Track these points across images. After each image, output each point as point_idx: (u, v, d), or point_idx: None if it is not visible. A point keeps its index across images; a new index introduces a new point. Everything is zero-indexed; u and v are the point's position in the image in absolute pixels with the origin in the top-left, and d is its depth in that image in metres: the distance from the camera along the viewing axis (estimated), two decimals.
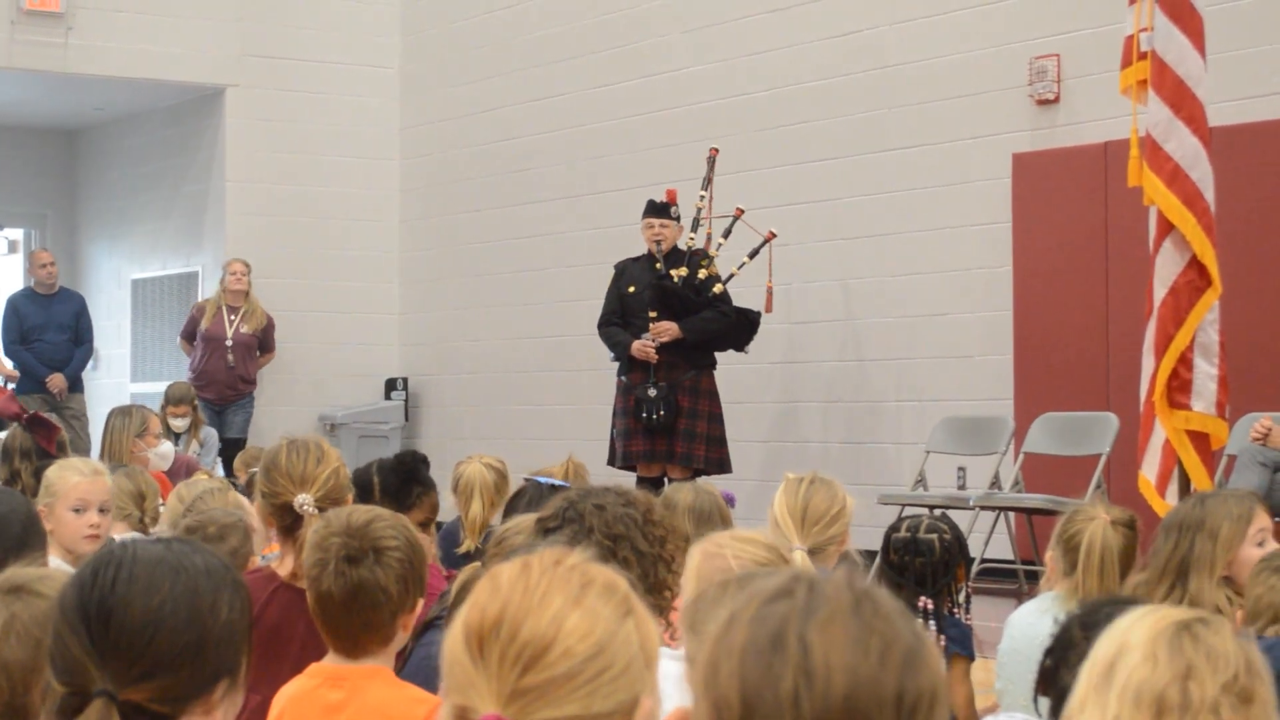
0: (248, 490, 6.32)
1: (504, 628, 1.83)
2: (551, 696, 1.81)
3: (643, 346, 10.37)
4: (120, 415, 8.59)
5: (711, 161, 11.05)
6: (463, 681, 1.84)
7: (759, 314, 10.69)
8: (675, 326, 10.34)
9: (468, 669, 1.84)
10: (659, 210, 10.60)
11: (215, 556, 2.36)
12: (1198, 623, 2.25)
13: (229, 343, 13.65)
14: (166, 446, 8.17)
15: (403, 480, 5.05)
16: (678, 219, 10.62)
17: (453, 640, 1.87)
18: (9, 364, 13.70)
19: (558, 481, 5.15)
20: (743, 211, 10.88)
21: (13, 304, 14.17)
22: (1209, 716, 2.15)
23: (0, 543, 3.90)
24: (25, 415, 7.49)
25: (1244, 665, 2.21)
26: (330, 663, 3.41)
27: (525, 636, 1.83)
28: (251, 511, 5.64)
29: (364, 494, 4.82)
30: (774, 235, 10.90)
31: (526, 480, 5.48)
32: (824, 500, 4.77)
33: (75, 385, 13.93)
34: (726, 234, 10.86)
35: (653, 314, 10.38)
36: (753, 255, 10.87)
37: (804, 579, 1.58)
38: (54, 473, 5.27)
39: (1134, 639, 2.23)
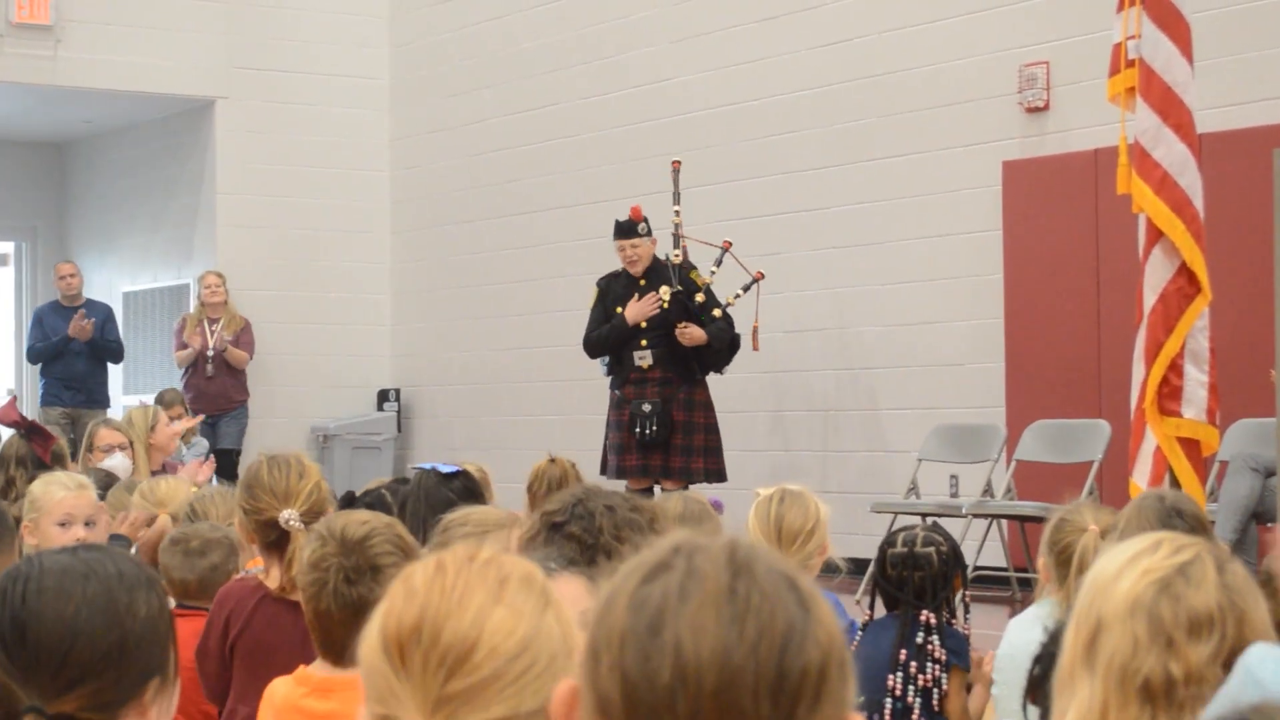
0: None
1: (424, 632, 1.78)
2: (479, 700, 1.76)
3: (640, 309, 10.32)
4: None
5: (675, 174, 10.95)
6: (384, 691, 1.78)
7: (739, 337, 10.65)
8: (702, 333, 10.31)
9: (389, 678, 1.78)
10: (627, 231, 10.50)
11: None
12: (1178, 577, 2.20)
13: (209, 353, 13.71)
14: (115, 459, 8.13)
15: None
16: (648, 234, 10.55)
17: (370, 648, 1.81)
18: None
19: (445, 466, 5.21)
20: (730, 244, 10.81)
21: (38, 315, 14.39)
22: (1195, 689, 2.13)
23: None
24: (25, 424, 7.51)
25: (1233, 620, 2.17)
26: (318, 671, 3.40)
27: (448, 640, 1.77)
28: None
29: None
30: (762, 276, 10.76)
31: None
32: (797, 516, 4.74)
33: (101, 401, 13.98)
34: (718, 263, 10.77)
35: (681, 325, 10.30)
36: (746, 289, 10.72)
37: (684, 550, 1.51)
38: (38, 488, 5.24)
39: (1113, 608, 2.18)
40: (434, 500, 4.75)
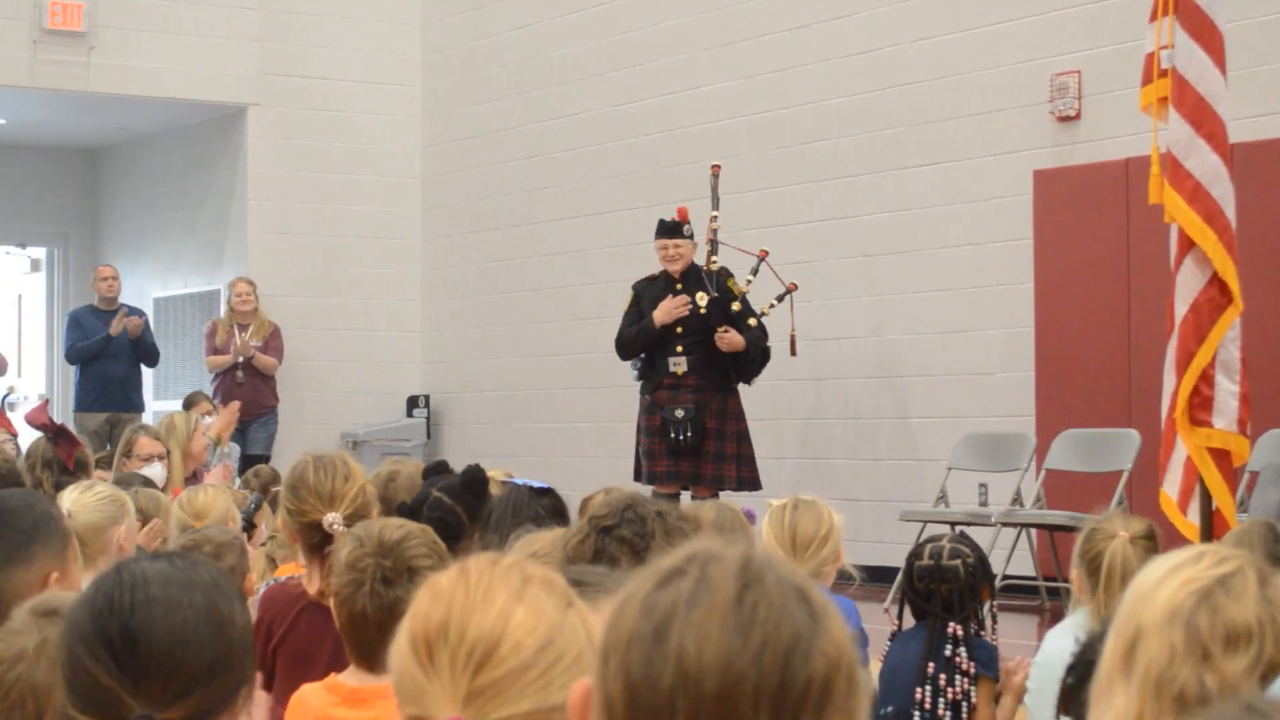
0: (256, 508, 6.34)
1: (451, 631, 1.85)
2: (508, 693, 1.82)
3: (667, 308, 10.29)
4: None
5: (714, 179, 10.90)
6: (415, 691, 1.86)
7: (769, 348, 10.61)
8: (741, 339, 10.27)
9: (419, 678, 1.85)
10: (671, 230, 10.45)
11: (215, 568, 2.36)
12: (1218, 588, 2.18)
13: (239, 359, 13.77)
14: (153, 469, 8.13)
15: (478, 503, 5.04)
16: (690, 236, 10.52)
17: (400, 651, 1.88)
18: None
19: (536, 483, 5.21)
20: (767, 253, 10.77)
21: (75, 317, 14.34)
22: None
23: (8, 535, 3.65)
24: (53, 427, 7.55)
25: (1272, 635, 2.15)
26: (350, 679, 3.40)
27: (474, 636, 1.84)
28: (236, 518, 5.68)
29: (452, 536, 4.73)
30: (795, 287, 10.69)
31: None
32: (811, 524, 4.75)
33: (137, 404, 14.03)
34: (754, 272, 10.72)
35: (721, 329, 10.27)
36: (780, 299, 10.65)
37: (699, 559, 1.55)
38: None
39: (1152, 617, 2.17)
40: (521, 515, 4.74)
